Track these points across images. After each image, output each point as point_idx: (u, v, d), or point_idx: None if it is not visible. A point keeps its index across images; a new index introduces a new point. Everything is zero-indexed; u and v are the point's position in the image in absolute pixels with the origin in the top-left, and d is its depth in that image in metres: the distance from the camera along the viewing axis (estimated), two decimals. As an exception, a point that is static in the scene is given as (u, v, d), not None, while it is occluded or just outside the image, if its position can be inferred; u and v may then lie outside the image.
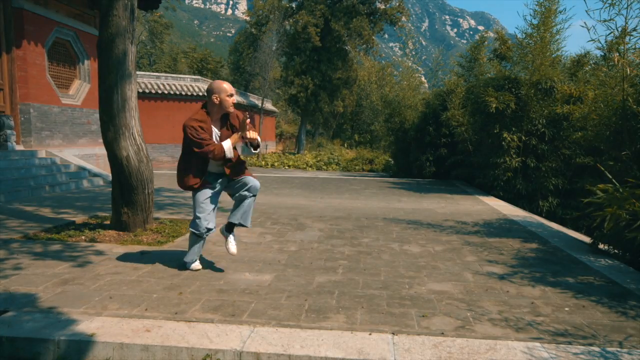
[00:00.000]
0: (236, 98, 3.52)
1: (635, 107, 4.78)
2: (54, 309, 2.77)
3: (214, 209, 3.48)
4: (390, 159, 17.91)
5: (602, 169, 4.49)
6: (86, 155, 10.54)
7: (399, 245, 4.60)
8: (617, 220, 3.49)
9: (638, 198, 3.39)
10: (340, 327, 2.60)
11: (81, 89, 10.69)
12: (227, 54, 47.50)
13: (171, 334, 2.46)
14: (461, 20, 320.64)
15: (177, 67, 42.16)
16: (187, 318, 2.69)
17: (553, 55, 9.09)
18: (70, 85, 10.47)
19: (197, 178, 3.40)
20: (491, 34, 14.08)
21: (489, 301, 3.06)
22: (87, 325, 2.54)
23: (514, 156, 8.98)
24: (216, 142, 3.35)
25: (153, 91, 18.00)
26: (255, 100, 27.19)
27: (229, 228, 3.58)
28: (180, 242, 4.53)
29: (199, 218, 3.42)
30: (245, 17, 38.90)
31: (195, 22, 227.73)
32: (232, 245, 3.57)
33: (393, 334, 2.53)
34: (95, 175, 9.46)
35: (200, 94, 18.52)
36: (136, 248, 4.27)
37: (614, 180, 3.89)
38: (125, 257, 3.93)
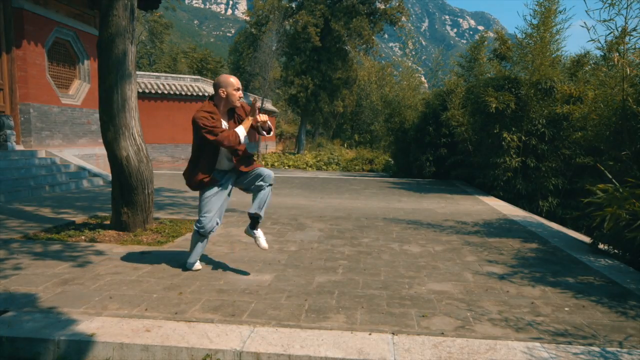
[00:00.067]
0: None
1: (635, 107, 4.78)
2: (54, 309, 2.77)
3: (220, 208, 3.46)
4: (390, 159, 17.92)
5: (602, 169, 4.49)
6: (86, 155, 10.54)
7: (399, 245, 4.60)
8: (617, 220, 3.49)
9: (638, 198, 3.39)
10: (340, 327, 2.60)
11: (81, 89, 10.69)
12: (227, 54, 47.50)
13: (171, 334, 2.46)
14: (461, 20, 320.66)
15: (177, 67, 42.16)
16: (187, 318, 2.68)
17: (553, 55, 9.09)
18: (70, 85, 10.47)
19: (207, 174, 3.37)
20: (491, 34, 14.07)
21: (489, 301, 3.06)
22: (87, 325, 2.54)
23: (513, 156, 8.98)
24: None
25: (153, 91, 18.00)
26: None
27: (252, 225, 3.50)
28: (180, 242, 4.53)
29: (204, 217, 3.40)
30: (245, 17, 38.93)
31: (195, 22, 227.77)
32: (262, 240, 3.49)
33: (393, 334, 2.53)
34: (95, 175, 9.46)
35: (200, 94, 18.52)
36: (136, 248, 4.27)
37: (614, 180, 3.89)
38: (125, 257, 3.93)
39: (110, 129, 4.76)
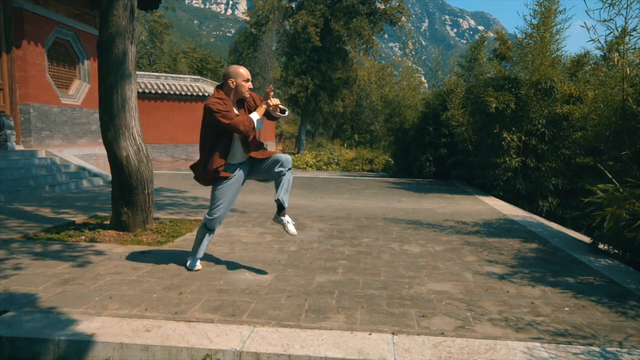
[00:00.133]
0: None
1: (635, 107, 4.78)
2: (54, 309, 2.77)
3: (231, 200, 3.47)
4: (390, 159, 17.91)
5: (602, 169, 4.49)
6: (86, 155, 10.54)
7: (399, 245, 4.60)
8: (617, 220, 3.49)
9: (638, 198, 3.39)
10: (340, 327, 2.60)
11: (81, 89, 10.69)
12: (227, 54, 47.45)
13: (171, 334, 2.46)
14: (461, 20, 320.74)
15: (177, 67, 42.17)
16: (187, 318, 2.68)
17: (553, 55, 9.09)
18: (70, 85, 10.47)
19: (222, 163, 3.34)
20: (491, 34, 14.07)
21: (489, 301, 3.06)
22: (87, 325, 2.54)
23: (513, 156, 8.98)
24: None
25: (153, 91, 17.99)
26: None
27: (279, 212, 3.47)
28: (180, 242, 4.53)
29: (217, 208, 3.41)
30: (245, 17, 38.90)
31: (195, 22, 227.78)
32: (290, 226, 3.46)
33: (393, 334, 2.53)
34: (95, 175, 9.47)
35: (200, 94, 18.51)
36: (136, 248, 4.27)
37: (614, 180, 3.89)
38: (125, 257, 3.93)
39: (110, 129, 4.76)
